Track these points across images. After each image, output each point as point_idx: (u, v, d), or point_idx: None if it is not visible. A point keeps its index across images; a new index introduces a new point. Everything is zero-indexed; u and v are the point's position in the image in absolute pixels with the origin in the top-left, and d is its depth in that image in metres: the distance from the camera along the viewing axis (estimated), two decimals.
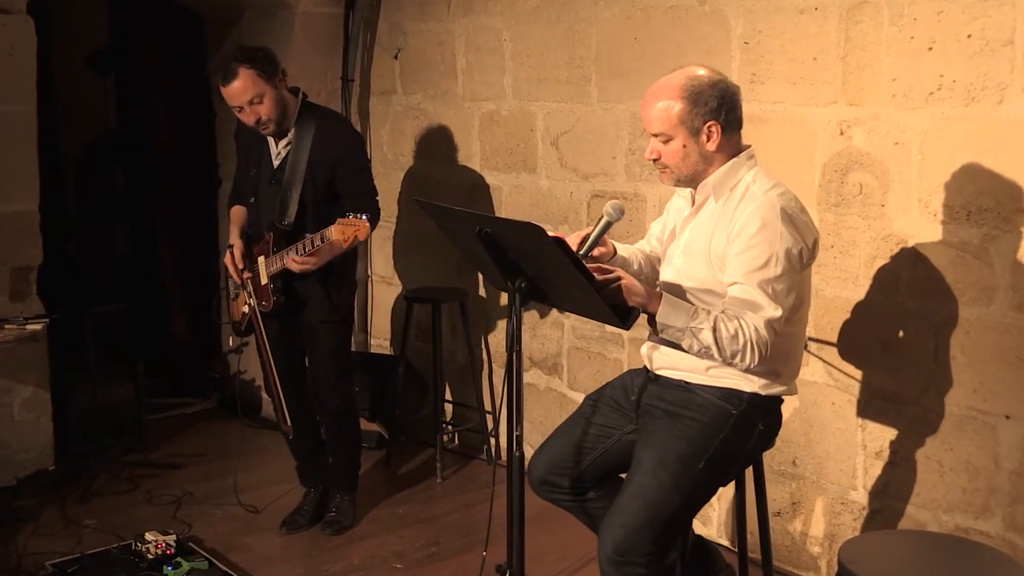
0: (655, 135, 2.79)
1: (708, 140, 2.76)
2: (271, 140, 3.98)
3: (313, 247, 3.75)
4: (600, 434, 3.02)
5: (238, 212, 4.17)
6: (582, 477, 3.02)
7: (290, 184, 3.88)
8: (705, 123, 2.74)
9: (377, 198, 4.08)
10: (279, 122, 3.87)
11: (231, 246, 4.07)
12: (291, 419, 4.22)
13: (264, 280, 3.93)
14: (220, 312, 4.33)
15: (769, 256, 2.68)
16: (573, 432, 3.06)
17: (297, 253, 3.78)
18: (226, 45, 5.48)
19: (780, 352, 2.80)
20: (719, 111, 2.74)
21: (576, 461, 3.01)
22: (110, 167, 6.61)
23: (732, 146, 2.81)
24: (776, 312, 2.68)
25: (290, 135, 3.92)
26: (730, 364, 2.72)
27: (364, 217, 3.62)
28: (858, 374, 3.60)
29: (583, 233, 2.92)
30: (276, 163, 3.97)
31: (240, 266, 4.02)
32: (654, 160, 2.83)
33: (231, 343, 4.34)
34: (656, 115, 2.76)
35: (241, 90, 3.76)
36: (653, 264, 3.14)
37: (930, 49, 3.27)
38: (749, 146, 2.85)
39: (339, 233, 3.61)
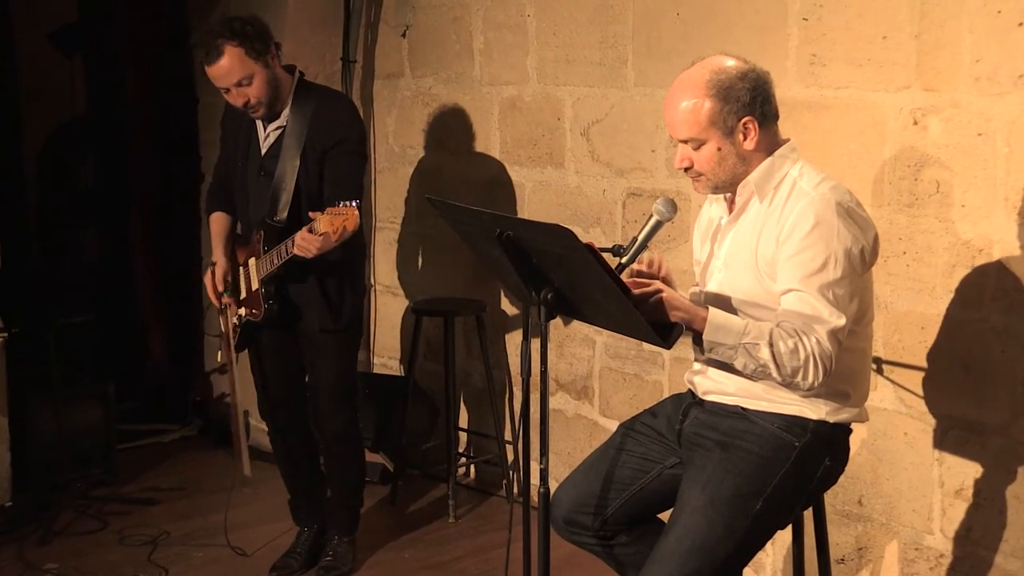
0: (684, 141, 2.81)
1: (745, 139, 2.78)
2: (259, 124, 4.00)
3: (286, 251, 3.75)
4: (637, 468, 3.02)
5: (219, 222, 4.16)
6: (612, 517, 3.02)
7: (283, 175, 3.89)
8: (740, 120, 2.76)
9: (361, 197, 4.06)
10: (270, 104, 3.88)
11: (213, 264, 4.09)
12: (283, 446, 4.26)
13: (255, 284, 3.95)
14: (216, 322, 4.34)
15: (827, 257, 2.68)
16: (603, 464, 3.06)
17: (285, 251, 3.78)
18: (212, 19, 5.51)
19: (846, 370, 2.80)
20: (754, 105, 2.76)
21: (605, 498, 3.02)
22: (78, 160, 6.65)
23: (769, 141, 2.83)
24: (839, 320, 2.68)
25: (282, 118, 3.94)
26: (790, 384, 2.72)
27: (354, 203, 3.58)
28: (935, 400, 3.59)
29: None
30: (264, 149, 3.98)
31: (220, 289, 4.04)
32: (686, 169, 2.85)
33: (219, 359, 4.36)
34: (683, 118, 2.77)
35: (227, 70, 3.77)
36: None
37: (1020, 25, 3.26)
38: (788, 139, 2.87)
39: (327, 224, 3.56)
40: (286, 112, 3.94)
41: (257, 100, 3.84)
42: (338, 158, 3.92)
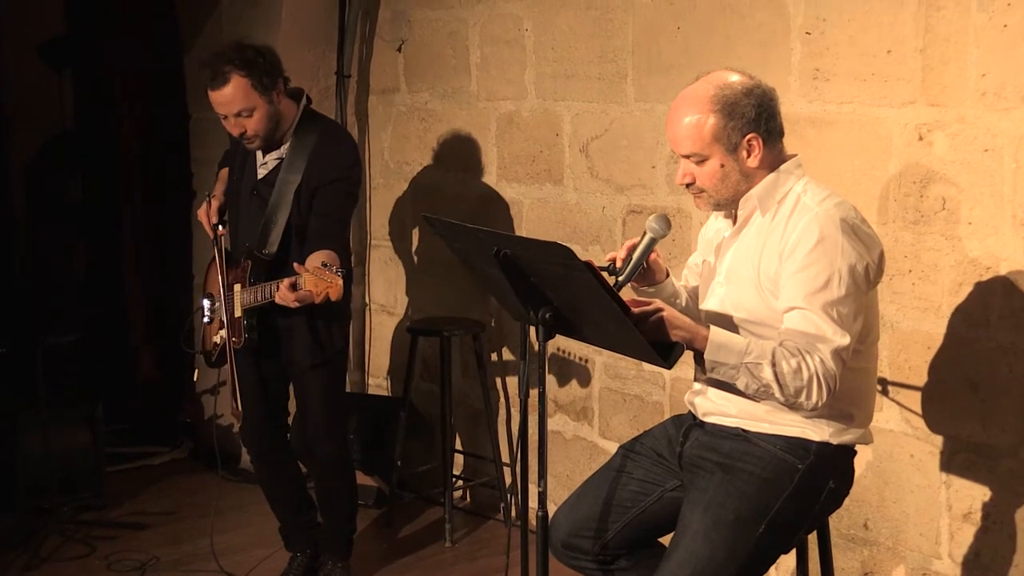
0: (686, 156, 2.82)
1: (749, 156, 2.79)
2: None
3: (269, 294, 3.77)
4: (638, 490, 3.03)
5: (227, 173, 4.23)
6: (612, 541, 3.02)
7: (276, 208, 3.91)
8: (744, 137, 2.77)
9: (348, 235, 4.08)
10: (267, 137, 3.91)
11: (210, 196, 4.10)
12: (265, 473, 4.27)
13: (238, 312, 3.95)
14: (192, 339, 4.35)
15: (830, 274, 2.69)
16: (603, 487, 3.07)
17: (268, 294, 3.79)
18: (204, 34, 5.53)
19: (850, 391, 2.81)
20: (758, 121, 2.77)
21: (605, 521, 3.02)
22: (66, 175, 6.66)
23: (774, 158, 2.85)
24: (843, 340, 2.69)
25: (283, 148, 3.96)
26: (793, 405, 2.73)
27: (341, 273, 3.62)
28: (942, 421, 3.59)
29: (623, 251, 2.94)
30: (261, 174, 4.00)
31: (215, 220, 4.05)
32: (687, 185, 2.86)
33: (195, 377, 4.37)
34: (686, 133, 2.79)
35: (229, 100, 3.79)
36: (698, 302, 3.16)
37: None
38: (795, 155, 2.88)
39: (312, 284, 3.61)
40: (287, 145, 3.96)
41: (254, 133, 3.87)
42: (330, 195, 3.95)
